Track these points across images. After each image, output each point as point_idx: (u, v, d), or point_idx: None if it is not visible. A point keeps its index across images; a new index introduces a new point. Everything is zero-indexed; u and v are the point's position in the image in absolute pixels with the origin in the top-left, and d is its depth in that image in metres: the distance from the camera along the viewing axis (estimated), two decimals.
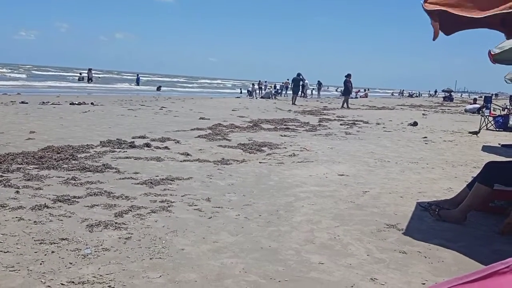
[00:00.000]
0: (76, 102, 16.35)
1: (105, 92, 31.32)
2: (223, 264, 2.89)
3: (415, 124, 13.99)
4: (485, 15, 2.84)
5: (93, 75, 44.67)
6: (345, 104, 23.97)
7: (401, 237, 3.57)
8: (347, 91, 24.64)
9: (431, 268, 3.01)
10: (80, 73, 50.09)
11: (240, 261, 2.95)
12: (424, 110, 23.41)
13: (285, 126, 11.95)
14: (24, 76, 51.67)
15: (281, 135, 10.02)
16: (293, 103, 24.72)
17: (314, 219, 3.93)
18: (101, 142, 7.36)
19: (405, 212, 4.28)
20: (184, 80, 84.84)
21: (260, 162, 6.59)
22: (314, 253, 3.15)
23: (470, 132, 12.63)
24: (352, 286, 2.67)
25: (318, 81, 44.07)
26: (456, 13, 2.99)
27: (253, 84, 38.23)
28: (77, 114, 12.40)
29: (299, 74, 27.37)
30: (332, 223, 3.85)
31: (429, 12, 3.21)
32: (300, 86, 28.53)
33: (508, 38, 5.13)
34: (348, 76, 24.50)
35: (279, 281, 2.68)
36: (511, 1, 2.63)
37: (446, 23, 4.00)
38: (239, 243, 3.28)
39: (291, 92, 29.50)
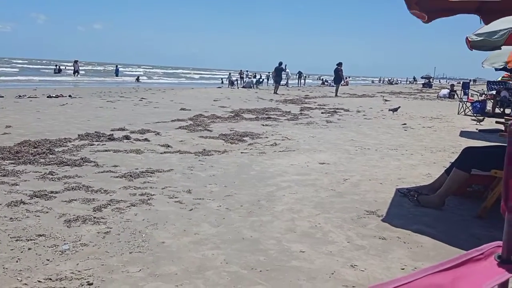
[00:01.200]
0: (54, 95, 16.05)
1: (84, 84, 30.83)
2: (204, 255, 2.88)
3: (396, 110, 14.11)
4: None
5: (79, 67, 43.18)
6: (336, 91, 24.22)
7: (380, 223, 3.60)
8: (338, 79, 24.82)
9: (410, 253, 3.04)
10: (56, 65, 48.96)
11: (221, 252, 2.94)
12: (384, 96, 23.31)
13: (266, 116, 11.94)
14: None
15: (263, 125, 10.01)
16: (275, 92, 24.69)
17: (295, 208, 3.94)
18: (79, 135, 7.24)
19: (385, 198, 4.32)
20: (165, 71, 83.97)
21: (241, 152, 6.57)
22: (295, 242, 3.16)
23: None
24: (332, 273, 2.68)
25: (299, 71, 44.19)
26: None
27: (240, 72, 37.66)
28: (55, 107, 12.16)
29: (280, 63, 27.27)
30: (313, 211, 3.86)
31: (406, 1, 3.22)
32: (283, 75, 28.38)
33: (485, 24, 5.19)
34: (339, 64, 24.66)
35: (260, 271, 2.68)
36: None
37: (424, 10, 4.03)
38: (221, 234, 3.26)
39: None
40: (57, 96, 15.82)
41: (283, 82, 34.60)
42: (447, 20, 4.78)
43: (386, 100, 19.34)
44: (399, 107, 14.61)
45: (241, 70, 41.52)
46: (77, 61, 42.95)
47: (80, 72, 42.47)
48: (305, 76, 47.84)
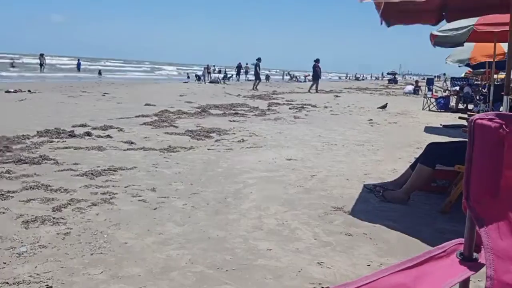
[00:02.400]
0: (12, 90, 15.46)
1: (43, 78, 29.95)
2: (169, 256, 2.81)
3: (384, 107, 14.30)
4: None
5: (45, 60, 41.33)
6: (316, 88, 24.39)
7: (347, 219, 3.62)
8: (316, 75, 24.96)
9: (376, 249, 3.06)
10: (11, 58, 47.25)
11: (187, 252, 2.88)
12: (335, 94, 23.59)
13: (234, 111, 11.89)
14: None
15: (230, 121, 9.95)
16: (254, 89, 24.65)
17: (263, 205, 3.91)
18: (38, 132, 6.99)
19: (352, 194, 4.35)
20: (129, 65, 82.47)
21: (208, 149, 6.51)
22: (262, 240, 3.13)
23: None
24: (299, 271, 2.67)
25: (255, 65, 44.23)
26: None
27: (207, 67, 36.88)
28: (13, 102, 11.76)
29: (259, 59, 27.00)
30: (281, 208, 3.84)
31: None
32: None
33: (448, 21, 5.30)
34: (317, 61, 24.84)
35: (227, 270, 2.64)
36: None
37: (388, 16, 4.09)
38: (186, 233, 3.20)
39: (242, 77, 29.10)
40: (15, 91, 15.24)
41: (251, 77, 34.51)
42: None
43: (336, 96, 19.61)
44: (387, 103, 14.82)
45: (207, 65, 41.06)
46: (43, 54, 41.06)
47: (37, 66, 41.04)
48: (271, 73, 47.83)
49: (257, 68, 26.38)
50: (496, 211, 0.91)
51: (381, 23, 4.23)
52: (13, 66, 41.94)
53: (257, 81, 26.05)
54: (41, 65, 39.61)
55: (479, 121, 0.86)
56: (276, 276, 2.60)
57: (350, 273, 2.67)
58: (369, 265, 2.79)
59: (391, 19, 4.32)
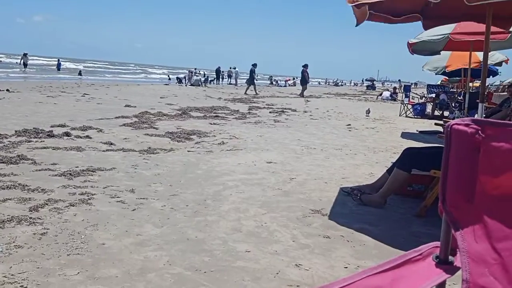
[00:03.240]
0: None
1: (22, 77, 29.36)
2: (147, 257, 2.79)
3: (368, 112, 14.44)
4: None
5: (28, 60, 40.15)
6: (302, 92, 24.53)
7: (325, 222, 3.65)
8: (304, 80, 25.12)
9: (354, 251, 3.10)
10: None
11: (165, 253, 2.86)
12: (306, 98, 23.71)
13: (214, 114, 11.86)
14: None
15: (211, 123, 9.94)
16: (245, 93, 24.69)
17: (242, 207, 3.92)
18: (16, 131, 6.87)
19: (329, 197, 4.40)
20: (109, 66, 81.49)
21: (188, 151, 6.48)
22: (241, 242, 3.14)
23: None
24: (277, 273, 2.68)
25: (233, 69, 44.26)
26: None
27: (190, 71, 36.38)
28: None
29: (255, 65, 26.88)
30: (260, 210, 3.86)
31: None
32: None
33: (425, 29, 5.40)
34: (305, 66, 24.99)
35: (205, 272, 2.64)
36: None
37: (377, 17, 4.15)
38: (164, 235, 3.19)
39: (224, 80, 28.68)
40: None
41: (232, 81, 34.33)
42: (390, 26, 4.94)
43: (307, 101, 19.79)
44: (368, 109, 14.96)
45: (195, 69, 40.62)
46: (26, 54, 39.96)
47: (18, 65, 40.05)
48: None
49: (253, 73, 26.36)
50: (471, 215, 0.92)
51: (357, 25, 4.25)
52: None
53: (251, 86, 25.97)
54: (25, 64, 38.55)
55: (456, 126, 0.88)
56: (254, 278, 2.61)
57: (327, 275, 2.70)
58: (346, 267, 2.83)
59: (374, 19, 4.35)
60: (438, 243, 0.98)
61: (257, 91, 25.39)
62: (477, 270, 0.87)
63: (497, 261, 0.88)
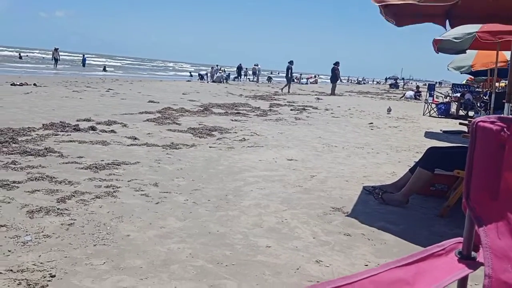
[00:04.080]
0: (18, 83, 15.52)
1: (49, 73, 29.94)
2: (170, 249, 2.85)
3: (389, 110, 14.37)
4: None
5: (60, 55, 39.15)
6: (332, 90, 24.70)
7: (346, 220, 3.66)
8: (334, 78, 25.20)
9: (374, 250, 3.10)
10: (19, 52, 47.08)
11: (188, 246, 2.92)
12: (316, 94, 23.63)
13: (236, 111, 11.92)
14: None
15: (232, 120, 9.99)
16: (282, 90, 25.05)
17: (263, 203, 3.95)
18: (43, 125, 7.05)
19: (351, 195, 4.39)
20: (133, 62, 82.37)
21: (210, 147, 6.55)
22: (262, 237, 3.17)
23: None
24: (297, 269, 2.71)
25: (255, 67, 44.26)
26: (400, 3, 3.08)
27: (213, 68, 36.51)
28: (18, 95, 11.79)
29: (291, 62, 27.04)
30: (280, 207, 3.89)
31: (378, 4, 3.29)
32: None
33: (452, 27, 5.33)
34: (337, 64, 25.08)
35: (226, 265, 2.68)
36: None
37: (397, 15, 4.12)
38: (187, 228, 3.24)
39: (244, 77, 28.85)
40: (21, 84, 15.31)
41: (255, 78, 34.40)
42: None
43: (318, 99, 19.69)
44: (389, 107, 14.89)
45: (216, 65, 40.82)
46: (57, 49, 38.73)
47: (46, 60, 40.09)
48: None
49: (289, 70, 26.51)
50: (495, 212, 0.93)
51: (397, 26, 4.22)
52: (20, 58, 41.51)
53: (288, 84, 26.23)
54: (56, 60, 37.76)
55: (481, 123, 0.89)
56: (275, 272, 2.64)
57: (347, 272, 2.71)
58: (366, 265, 2.84)
59: (398, 20, 4.33)
60: (460, 239, 0.99)
61: (289, 89, 25.50)
62: (500, 265, 0.88)
63: None
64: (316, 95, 23.32)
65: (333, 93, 24.67)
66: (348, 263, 2.85)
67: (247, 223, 3.43)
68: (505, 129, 0.88)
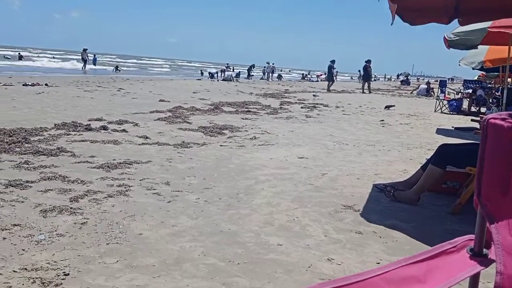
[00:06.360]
0: (30, 83, 15.69)
1: (60, 72, 30.20)
2: (182, 248, 2.87)
3: (389, 107, 14.31)
4: None
5: (88, 57, 36.85)
6: (367, 88, 24.93)
7: (357, 218, 3.65)
8: (367, 76, 25.39)
9: (386, 247, 3.10)
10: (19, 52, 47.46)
11: (199, 244, 2.94)
12: (314, 91, 23.52)
13: (246, 109, 11.93)
14: None
15: (243, 118, 10.01)
16: (328, 89, 25.43)
17: (274, 201, 3.96)
18: (55, 124, 7.13)
19: (362, 193, 4.38)
20: (144, 61, 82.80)
21: (221, 145, 6.57)
22: (273, 235, 3.18)
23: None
24: (309, 267, 2.71)
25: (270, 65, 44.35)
26: None
27: (227, 66, 36.56)
28: (31, 95, 11.92)
29: (333, 61, 27.28)
30: (291, 205, 3.89)
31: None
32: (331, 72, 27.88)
33: (462, 25, 5.28)
34: (368, 62, 25.14)
35: (238, 264, 2.69)
36: None
37: (410, 14, 4.09)
38: (199, 226, 3.26)
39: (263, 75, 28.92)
40: (33, 85, 15.48)
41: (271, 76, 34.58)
42: None
43: (314, 96, 19.61)
44: (394, 105, 14.85)
45: (227, 64, 40.92)
46: (86, 49, 36.29)
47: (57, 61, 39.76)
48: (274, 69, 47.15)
49: (332, 69, 26.82)
50: (506, 209, 0.93)
51: (392, 23, 4.21)
52: (20, 58, 41.79)
53: (331, 82, 26.62)
54: (84, 61, 35.96)
55: (492, 120, 0.88)
56: (287, 270, 2.65)
57: (359, 270, 2.70)
58: (378, 263, 2.83)
59: (405, 17, 4.30)
60: (472, 236, 0.99)
61: (329, 88, 25.71)
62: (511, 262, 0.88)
63: None
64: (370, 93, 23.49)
65: (369, 90, 24.88)
66: (360, 260, 2.85)
67: (258, 222, 3.44)
68: None
